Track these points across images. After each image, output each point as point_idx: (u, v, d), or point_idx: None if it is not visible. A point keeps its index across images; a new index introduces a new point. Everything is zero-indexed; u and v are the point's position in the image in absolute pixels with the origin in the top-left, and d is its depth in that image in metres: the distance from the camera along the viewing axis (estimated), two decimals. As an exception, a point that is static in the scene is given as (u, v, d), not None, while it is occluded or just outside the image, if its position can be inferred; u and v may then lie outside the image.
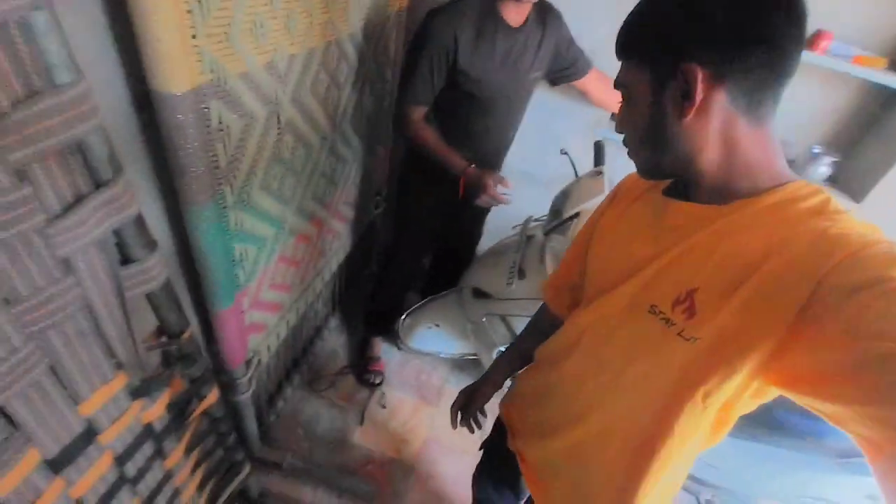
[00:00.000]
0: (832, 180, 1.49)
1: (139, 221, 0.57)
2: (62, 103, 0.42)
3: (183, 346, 0.74)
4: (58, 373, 0.54)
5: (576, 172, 1.27)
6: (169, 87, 0.59)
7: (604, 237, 0.69)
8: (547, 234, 1.13)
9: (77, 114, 0.43)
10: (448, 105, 1.22)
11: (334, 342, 1.82)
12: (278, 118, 0.90)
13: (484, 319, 1.31)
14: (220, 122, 0.73)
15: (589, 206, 1.05)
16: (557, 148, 1.52)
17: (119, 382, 0.65)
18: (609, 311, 0.62)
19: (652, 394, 0.57)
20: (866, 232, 0.43)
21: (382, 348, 1.78)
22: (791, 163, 1.10)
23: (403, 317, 1.59)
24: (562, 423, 0.70)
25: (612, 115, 1.43)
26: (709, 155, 0.52)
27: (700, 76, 0.47)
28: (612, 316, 0.61)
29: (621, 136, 0.59)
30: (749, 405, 0.55)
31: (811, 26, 0.50)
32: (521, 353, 0.91)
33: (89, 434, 0.62)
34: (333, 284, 1.72)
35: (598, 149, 1.29)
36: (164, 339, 0.74)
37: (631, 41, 0.54)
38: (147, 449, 0.74)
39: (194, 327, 0.90)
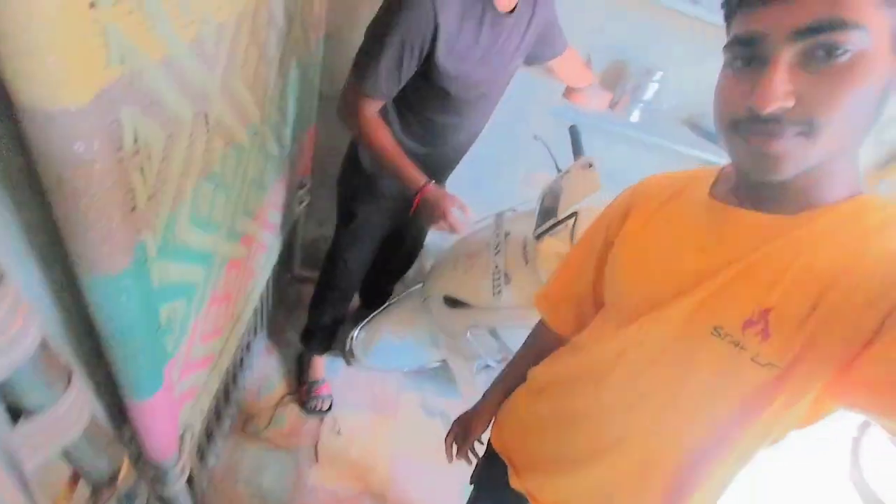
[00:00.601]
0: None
1: (43, 348, 0.31)
2: None
3: (120, 492, 0.48)
4: None
5: (556, 164, 1.14)
6: (59, 99, 0.31)
7: (632, 248, 0.60)
8: (538, 236, 1.00)
9: None
10: (412, 97, 0.99)
11: (264, 367, 1.53)
12: (206, 117, 0.61)
13: (469, 335, 1.16)
14: (136, 140, 0.45)
15: (586, 204, 0.94)
16: (510, 128, 1.38)
17: None
18: (657, 332, 0.54)
19: (710, 420, 0.52)
20: None
21: (325, 365, 1.54)
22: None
23: (356, 331, 1.36)
24: (589, 455, 0.62)
25: (565, 91, 1.31)
26: None
27: None
28: (661, 337, 0.53)
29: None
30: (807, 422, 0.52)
31: None
32: (520, 376, 0.79)
33: None
34: (260, 303, 1.42)
35: (575, 135, 1.14)
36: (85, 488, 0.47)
37: None
38: None
39: (103, 416, 0.62)
